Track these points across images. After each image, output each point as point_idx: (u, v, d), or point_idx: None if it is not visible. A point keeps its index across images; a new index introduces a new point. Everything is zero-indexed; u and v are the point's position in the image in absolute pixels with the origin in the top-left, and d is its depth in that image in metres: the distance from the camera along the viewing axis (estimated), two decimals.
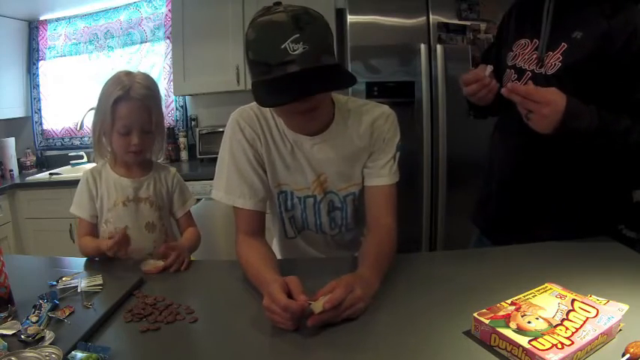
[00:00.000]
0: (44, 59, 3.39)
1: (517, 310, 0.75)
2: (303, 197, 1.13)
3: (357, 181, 1.13)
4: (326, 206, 1.14)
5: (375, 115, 1.10)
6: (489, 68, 1.16)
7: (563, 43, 1.09)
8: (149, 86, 1.25)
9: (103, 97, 1.23)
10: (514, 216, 1.25)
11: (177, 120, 3.24)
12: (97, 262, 1.23)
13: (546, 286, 0.83)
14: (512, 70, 1.20)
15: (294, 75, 0.84)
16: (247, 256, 1.03)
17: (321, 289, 0.82)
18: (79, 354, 0.70)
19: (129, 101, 1.20)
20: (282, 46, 0.83)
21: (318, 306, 0.78)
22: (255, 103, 1.06)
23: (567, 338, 0.67)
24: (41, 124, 3.44)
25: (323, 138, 1.07)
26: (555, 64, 1.10)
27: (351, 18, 2.28)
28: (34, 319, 0.82)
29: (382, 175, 1.10)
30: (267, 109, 1.07)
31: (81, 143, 3.36)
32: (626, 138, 1.01)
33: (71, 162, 3.13)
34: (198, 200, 2.53)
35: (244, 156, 1.08)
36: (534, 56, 1.15)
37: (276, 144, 1.08)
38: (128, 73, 1.24)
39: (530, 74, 1.15)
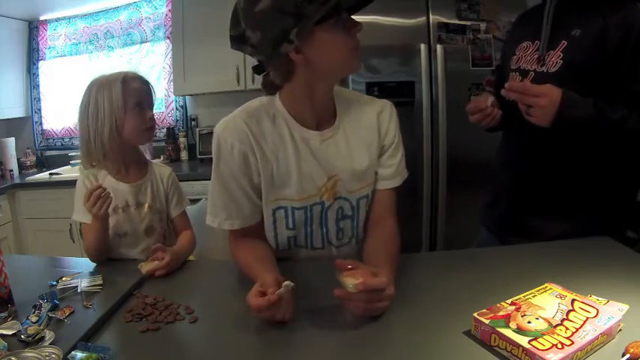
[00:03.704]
0: (44, 59, 3.39)
1: (517, 310, 0.75)
2: (310, 206, 1.04)
3: (371, 181, 1.08)
4: (334, 214, 1.07)
5: (378, 107, 1.08)
6: (490, 99, 1.20)
7: (563, 41, 1.12)
8: (136, 72, 1.31)
9: (98, 96, 1.23)
10: (521, 217, 1.26)
11: (177, 120, 3.24)
12: (97, 263, 1.23)
13: (546, 286, 0.83)
14: (517, 73, 1.22)
15: None
16: (240, 257, 1.04)
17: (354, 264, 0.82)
18: (79, 354, 0.70)
19: (133, 80, 1.26)
20: None
21: (349, 283, 0.77)
22: (241, 110, 1.03)
23: (567, 338, 0.67)
24: (41, 124, 3.44)
25: (332, 132, 1.03)
26: (556, 61, 1.12)
27: None
28: (34, 319, 0.82)
29: (400, 175, 1.10)
30: (261, 110, 1.02)
31: None
32: (623, 126, 1.03)
33: (71, 162, 3.13)
34: (198, 200, 2.53)
35: (233, 179, 1.01)
36: (536, 56, 1.17)
37: (275, 150, 1.01)
38: (108, 73, 1.28)
39: (533, 74, 1.17)
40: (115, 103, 1.22)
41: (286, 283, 0.80)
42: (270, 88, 1.02)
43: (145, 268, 1.09)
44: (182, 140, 3.13)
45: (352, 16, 0.94)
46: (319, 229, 1.08)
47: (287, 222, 1.06)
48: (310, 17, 0.86)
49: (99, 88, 1.24)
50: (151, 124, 1.29)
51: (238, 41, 0.95)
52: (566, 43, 1.11)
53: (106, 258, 1.24)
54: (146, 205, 1.30)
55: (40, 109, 3.43)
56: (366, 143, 1.06)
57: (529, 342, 0.66)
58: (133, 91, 1.24)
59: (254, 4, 0.87)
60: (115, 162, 1.29)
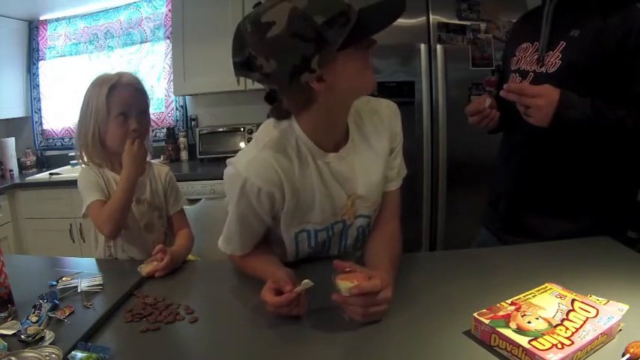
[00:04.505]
0: (44, 59, 3.39)
1: (517, 310, 0.75)
2: (331, 225, 1.03)
3: (383, 188, 1.08)
4: (354, 231, 1.07)
5: (386, 111, 1.06)
6: (488, 101, 1.22)
7: (561, 42, 1.12)
8: (136, 77, 1.30)
9: (91, 96, 1.24)
10: (522, 216, 1.26)
11: (177, 120, 3.24)
12: (97, 262, 1.24)
13: (546, 286, 0.83)
14: (517, 74, 1.23)
15: (380, 3, 0.84)
16: (245, 264, 1.04)
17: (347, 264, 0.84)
18: (79, 354, 0.70)
19: (123, 87, 1.24)
20: None
21: (344, 287, 0.78)
22: (264, 145, 0.94)
23: (567, 338, 0.67)
24: (41, 124, 3.44)
25: (348, 150, 1.00)
26: (556, 62, 1.12)
27: None
28: (34, 319, 0.82)
29: (400, 176, 1.10)
30: (283, 140, 0.95)
31: None
32: (622, 126, 1.03)
33: (71, 162, 3.12)
34: (198, 200, 2.54)
35: (253, 215, 0.97)
36: (535, 57, 1.17)
37: (302, 179, 0.96)
38: (110, 73, 1.27)
39: (533, 75, 1.17)
40: (100, 111, 1.22)
41: (306, 281, 0.81)
42: (282, 115, 0.96)
43: (145, 269, 1.08)
44: (182, 140, 3.13)
45: None
46: (338, 242, 1.08)
47: (309, 242, 1.04)
48: (333, 43, 0.81)
49: (93, 88, 1.25)
50: (134, 135, 1.25)
51: (245, 68, 0.86)
52: (564, 43, 1.11)
53: (119, 232, 1.23)
54: (145, 202, 1.30)
55: (40, 109, 3.43)
56: (379, 152, 1.04)
57: (529, 342, 0.66)
58: (119, 98, 1.23)
59: (266, 30, 0.79)
60: (108, 161, 1.30)
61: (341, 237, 1.07)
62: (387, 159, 1.06)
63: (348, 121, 1.01)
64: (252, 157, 0.93)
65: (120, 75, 1.25)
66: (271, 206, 0.96)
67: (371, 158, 1.03)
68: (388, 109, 1.07)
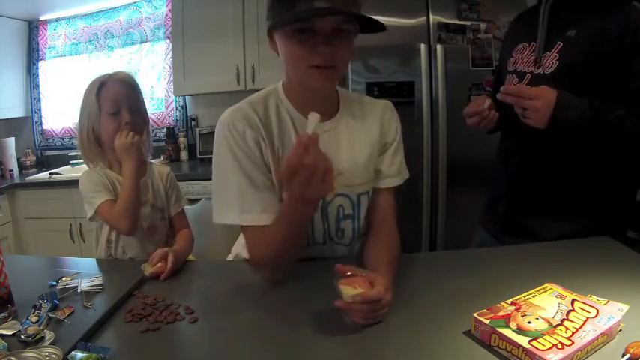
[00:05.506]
0: (44, 59, 3.40)
1: (517, 310, 0.75)
2: None
3: (371, 177, 1.07)
4: (334, 210, 1.05)
5: (381, 105, 1.08)
6: (487, 102, 1.22)
7: (558, 42, 1.12)
8: (128, 74, 1.30)
9: (86, 95, 1.26)
10: (521, 218, 1.26)
11: (177, 120, 3.24)
12: (97, 262, 1.24)
13: (546, 286, 0.83)
14: (514, 75, 1.22)
15: (323, 9, 0.83)
16: (268, 236, 0.93)
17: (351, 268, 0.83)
18: (79, 354, 0.70)
19: (113, 83, 1.25)
20: None
21: (347, 293, 0.78)
22: (246, 99, 1.01)
23: (567, 338, 0.67)
24: (41, 124, 3.44)
25: (334, 124, 1.02)
26: (553, 62, 1.12)
27: None
28: (34, 319, 0.82)
29: (400, 174, 1.10)
30: (265, 98, 1.00)
31: None
32: (621, 126, 1.03)
33: (71, 162, 3.13)
34: (198, 200, 2.54)
35: (256, 169, 0.95)
36: (532, 58, 1.17)
37: (280, 138, 0.98)
38: (107, 72, 1.29)
39: (530, 76, 1.17)
40: (92, 108, 1.24)
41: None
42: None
43: (149, 269, 1.08)
44: (182, 140, 3.13)
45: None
46: (321, 225, 1.06)
47: None
48: (270, 19, 0.90)
49: (88, 88, 1.26)
50: (127, 129, 1.24)
51: None
52: (561, 44, 1.11)
53: (133, 228, 1.22)
54: (148, 204, 1.30)
55: (40, 109, 3.43)
56: (367, 138, 1.05)
57: (529, 342, 0.66)
58: (108, 94, 1.24)
59: None
60: (106, 160, 1.30)
61: (322, 216, 1.04)
62: (375, 149, 1.06)
63: (341, 101, 1.05)
64: (233, 108, 0.99)
65: (112, 74, 1.27)
66: (262, 157, 0.96)
67: (359, 140, 1.04)
68: (384, 104, 1.10)
